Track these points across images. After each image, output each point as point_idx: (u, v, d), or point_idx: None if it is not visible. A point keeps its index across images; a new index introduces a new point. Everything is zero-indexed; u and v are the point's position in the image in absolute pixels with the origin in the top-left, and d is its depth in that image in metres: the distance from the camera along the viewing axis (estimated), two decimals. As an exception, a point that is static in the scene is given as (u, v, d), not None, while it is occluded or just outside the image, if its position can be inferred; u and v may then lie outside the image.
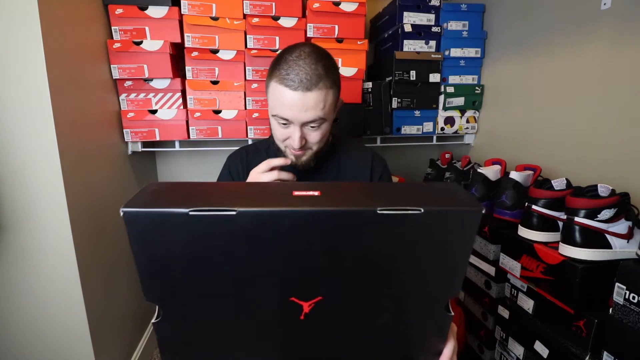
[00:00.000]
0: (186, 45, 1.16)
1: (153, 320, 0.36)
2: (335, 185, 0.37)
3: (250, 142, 1.29)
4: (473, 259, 1.12)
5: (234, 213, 0.30)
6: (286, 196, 0.33)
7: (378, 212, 0.31)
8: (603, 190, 0.78)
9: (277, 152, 0.76)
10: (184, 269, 0.34)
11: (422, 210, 0.32)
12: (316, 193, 0.33)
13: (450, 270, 0.37)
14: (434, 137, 1.52)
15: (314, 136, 0.69)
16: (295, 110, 0.64)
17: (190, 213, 0.30)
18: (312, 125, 0.67)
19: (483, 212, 0.33)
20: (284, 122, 0.67)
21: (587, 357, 0.75)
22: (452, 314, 0.40)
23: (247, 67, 1.22)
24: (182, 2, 1.13)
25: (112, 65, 1.12)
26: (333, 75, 0.67)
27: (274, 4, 1.18)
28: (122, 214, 0.30)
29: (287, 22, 1.20)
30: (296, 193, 0.33)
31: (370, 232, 0.33)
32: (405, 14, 1.34)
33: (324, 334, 0.41)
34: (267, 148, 0.83)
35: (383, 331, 0.41)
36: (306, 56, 0.64)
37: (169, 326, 0.37)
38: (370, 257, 0.35)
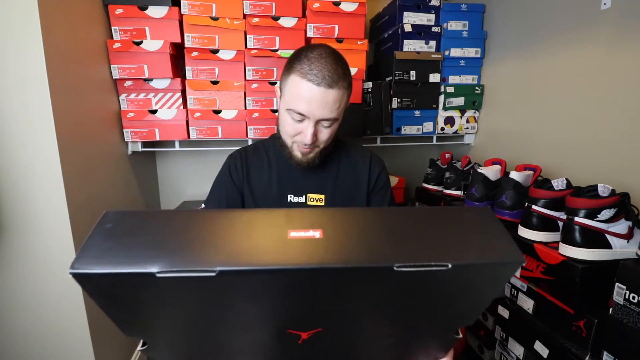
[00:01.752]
0: (186, 45, 1.16)
1: (139, 348, 0.33)
2: (339, 218, 0.29)
3: (250, 142, 1.29)
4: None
5: (213, 274, 0.24)
6: (280, 240, 0.26)
7: (395, 269, 0.25)
8: (603, 190, 0.78)
9: (282, 149, 0.76)
10: (160, 315, 0.29)
11: (450, 266, 0.25)
12: (317, 234, 0.27)
13: (470, 310, 0.34)
14: (434, 137, 1.52)
15: (325, 134, 0.70)
16: (313, 106, 0.65)
17: (158, 275, 0.24)
18: (325, 123, 0.68)
19: (524, 264, 0.27)
20: (300, 117, 0.67)
21: (587, 357, 0.75)
22: (460, 336, 0.37)
23: (247, 67, 1.22)
24: (182, 2, 1.13)
25: (112, 65, 1.12)
26: (349, 78, 0.69)
27: (274, 4, 1.18)
28: (70, 275, 0.24)
29: (287, 22, 1.20)
30: (293, 234, 0.26)
31: (383, 286, 0.28)
32: (405, 14, 1.34)
33: (323, 354, 0.38)
34: (267, 148, 0.83)
35: (384, 348, 0.39)
36: (327, 55, 0.66)
37: (158, 352, 0.34)
38: (379, 304, 0.30)
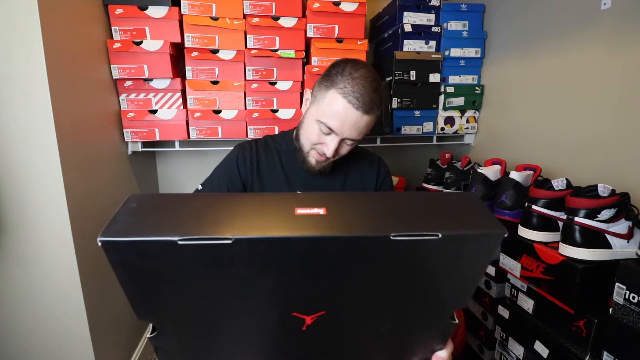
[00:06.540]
0: (186, 45, 1.16)
1: (148, 335, 0.35)
2: (342, 199, 0.33)
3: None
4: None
5: (229, 242, 0.27)
6: (288, 216, 0.29)
7: (392, 238, 0.28)
8: (603, 190, 0.78)
9: (296, 151, 0.77)
10: (176, 290, 0.32)
11: (440, 236, 0.28)
12: (321, 211, 0.30)
13: (462, 287, 0.36)
14: (434, 137, 1.52)
15: (344, 150, 0.72)
16: (346, 126, 0.66)
17: (180, 242, 0.26)
18: (349, 142, 0.70)
19: (506, 235, 0.30)
20: (328, 130, 0.68)
21: (587, 357, 0.75)
22: (457, 322, 0.39)
23: (247, 67, 1.22)
24: (182, 2, 1.13)
25: (112, 65, 1.12)
26: (382, 104, 0.70)
27: (274, 4, 1.18)
28: (99, 243, 0.26)
29: (287, 22, 1.20)
30: (299, 211, 0.30)
31: (381, 256, 0.31)
32: (405, 14, 1.34)
33: (326, 341, 0.40)
34: (277, 145, 0.83)
35: (384, 335, 0.40)
36: (371, 80, 0.66)
37: (165, 340, 0.36)
38: (378, 277, 0.33)
